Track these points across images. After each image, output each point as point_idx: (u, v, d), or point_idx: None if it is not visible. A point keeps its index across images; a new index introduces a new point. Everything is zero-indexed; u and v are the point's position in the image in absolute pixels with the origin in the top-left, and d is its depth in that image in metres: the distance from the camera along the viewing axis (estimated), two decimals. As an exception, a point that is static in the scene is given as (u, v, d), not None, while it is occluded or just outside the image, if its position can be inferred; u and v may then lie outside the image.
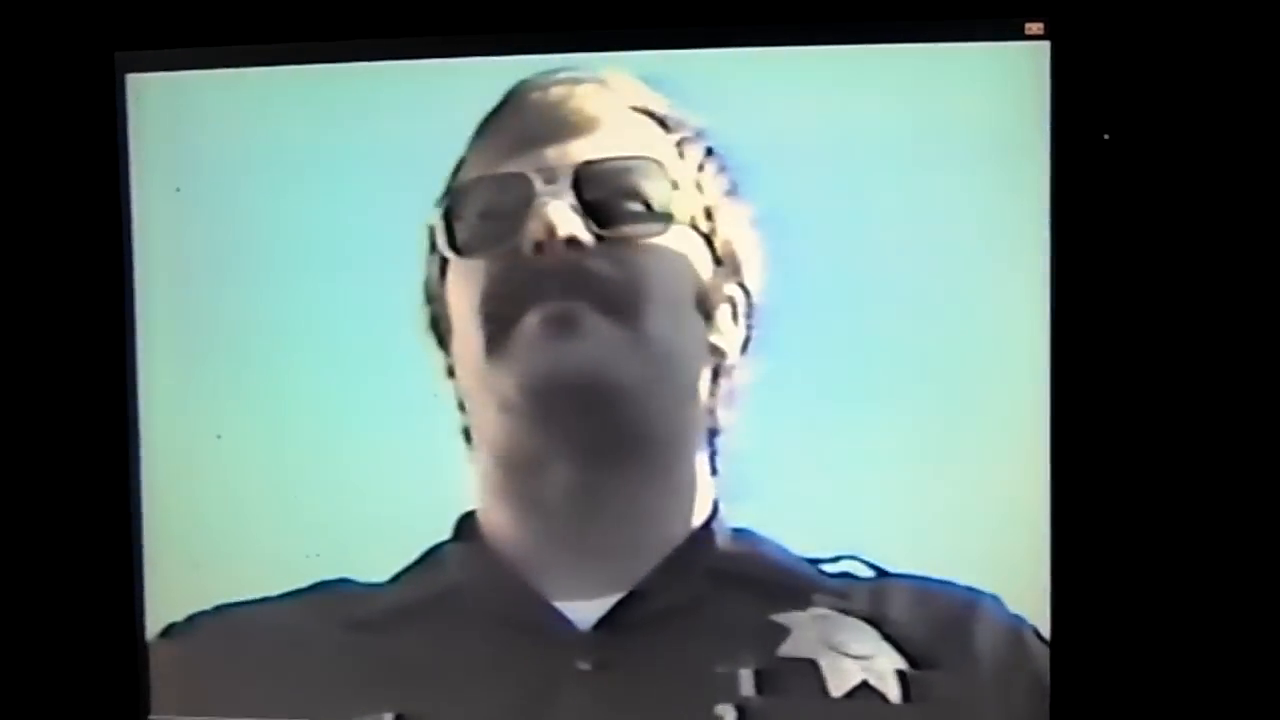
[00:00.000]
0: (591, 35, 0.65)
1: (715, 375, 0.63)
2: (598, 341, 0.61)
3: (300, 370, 0.67)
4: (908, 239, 0.63)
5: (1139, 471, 0.63)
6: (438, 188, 0.65)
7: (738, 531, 0.63)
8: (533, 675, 0.63)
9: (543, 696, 0.63)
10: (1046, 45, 0.62)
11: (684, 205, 0.63)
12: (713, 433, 0.64)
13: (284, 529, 0.68)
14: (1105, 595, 0.63)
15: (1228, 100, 0.62)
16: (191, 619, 0.68)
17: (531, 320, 0.61)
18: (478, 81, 0.65)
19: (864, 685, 0.62)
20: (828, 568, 0.63)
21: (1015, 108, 0.63)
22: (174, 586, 0.69)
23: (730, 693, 0.63)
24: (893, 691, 0.62)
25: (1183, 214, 0.63)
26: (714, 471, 0.64)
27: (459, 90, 0.65)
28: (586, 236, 0.61)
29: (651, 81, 0.64)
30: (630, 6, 0.65)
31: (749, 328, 0.63)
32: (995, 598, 0.62)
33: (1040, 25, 0.63)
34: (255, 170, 0.68)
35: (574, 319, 0.61)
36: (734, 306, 0.63)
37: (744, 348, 0.63)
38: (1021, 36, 0.63)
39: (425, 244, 0.65)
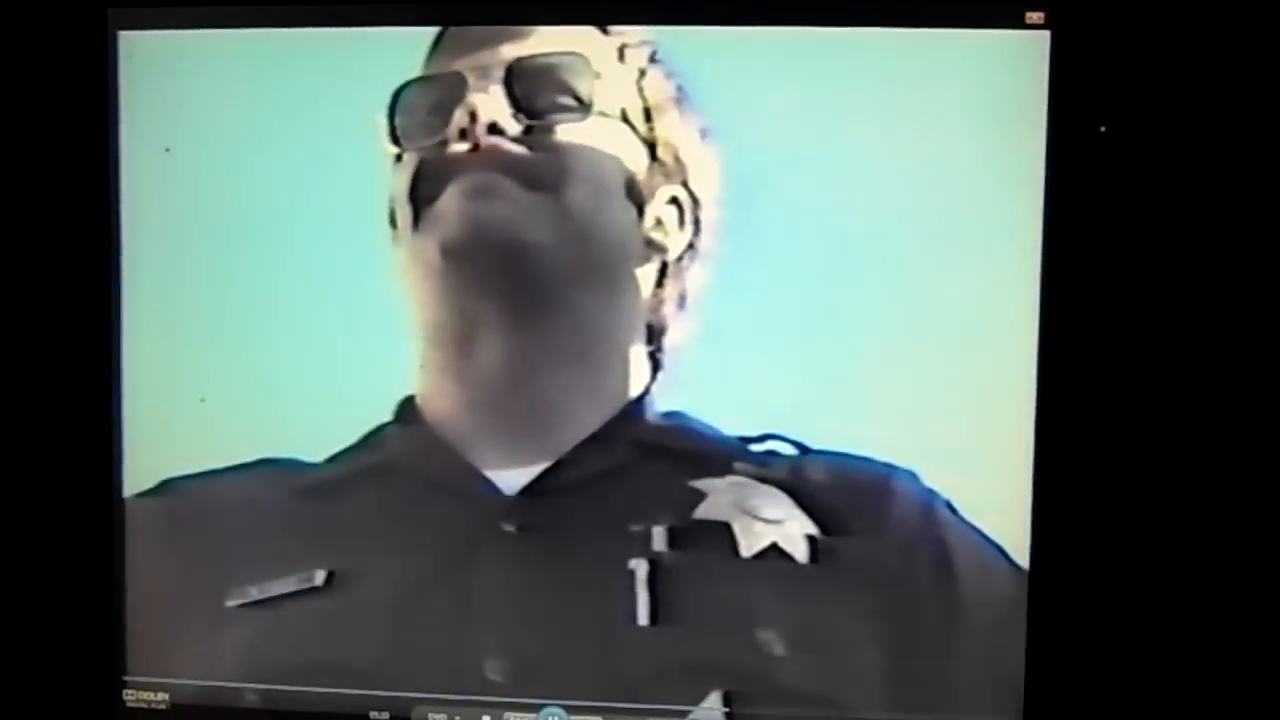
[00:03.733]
0: (595, 6, 0.65)
1: (662, 276, 0.66)
2: (515, 204, 0.64)
3: (285, 331, 0.68)
4: (898, 226, 0.64)
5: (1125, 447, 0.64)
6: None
7: (668, 414, 0.66)
8: (460, 537, 0.66)
9: (469, 556, 0.66)
10: (1046, 35, 0.62)
11: (612, 97, 0.65)
12: (657, 330, 0.66)
13: (251, 393, 0.68)
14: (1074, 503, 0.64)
15: (1226, 94, 0.62)
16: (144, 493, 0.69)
17: (452, 190, 0.64)
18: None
19: (773, 547, 0.65)
20: (754, 446, 0.65)
21: (1012, 97, 0.63)
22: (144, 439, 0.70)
23: (644, 549, 0.65)
24: (800, 553, 0.65)
25: (1178, 207, 0.63)
26: (656, 366, 0.66)
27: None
28: (511, 124, 0.64)
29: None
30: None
31: (695, 233, 0.65)
32: (911, 472, 0.64)
33: (1040, 15, 0.62)
34: (246, 132, 0.67)
35: (492, 185, 0.64)
36: (680, 208, 0.66)
37: (689, 249, 0.65)
38: (1021, 25, 0.63)
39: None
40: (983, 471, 0.64)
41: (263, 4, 0.67)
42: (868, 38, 0.63)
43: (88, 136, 0.68)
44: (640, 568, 0.65)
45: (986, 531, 0.64)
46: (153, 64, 0.68)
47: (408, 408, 0.67)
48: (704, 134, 0.65)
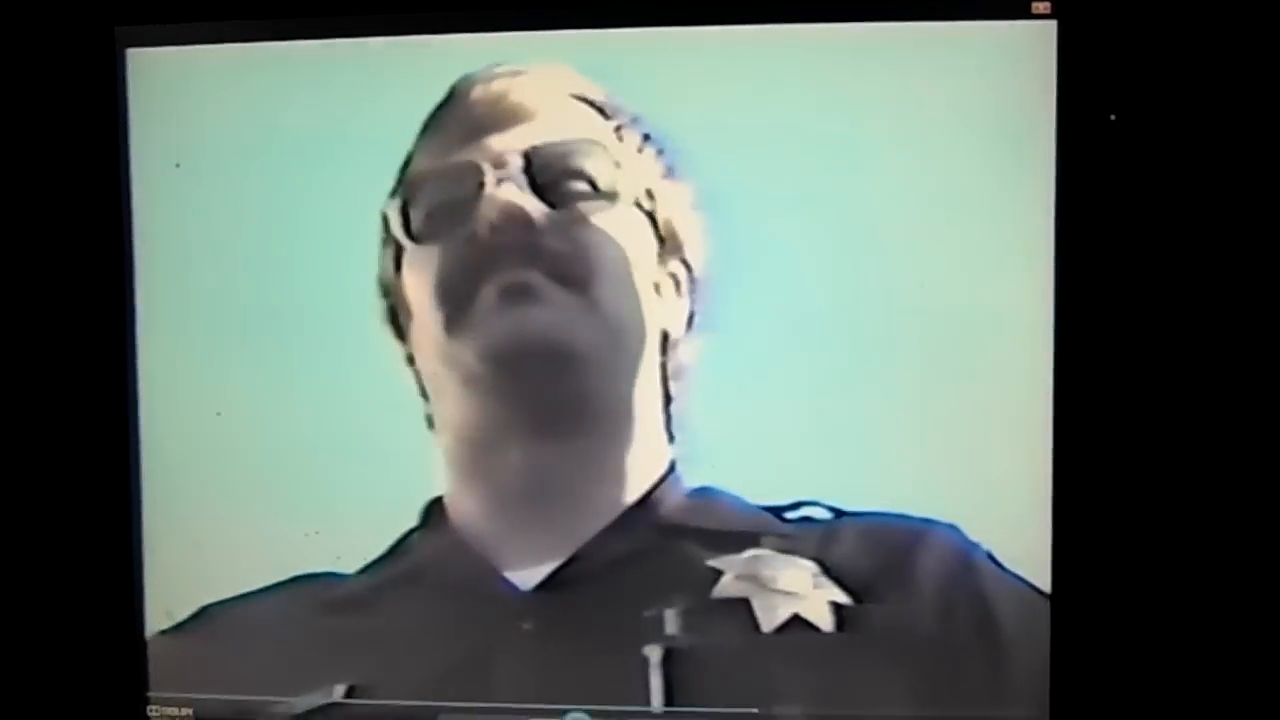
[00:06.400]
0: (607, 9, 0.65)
1: (664, 349, 0.65)
2: (554, 308, 0.63)
3: (299, 348, 0.67)
4: (907, 219, 0.63)
5: (1139, 453, 0.63)
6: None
7: (696, 490, 0.65)
8: (478, 640, 0.66)
9: (488, 659, 0.66)
10: (1053, 24, 0.62)
11: (628, 184, 0.65)
12: (671, 399, 0.66)
13: (282, 507, 0.68)
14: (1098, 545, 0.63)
15: (1235, 81, 0.62)
16: (182, 623, 0.69)
17: (489, 292, 0.63)
18: (479, 60, 0.65)
19: (796, 619, 0.63)
20: (788, 514, 0.64)
21: (1021, 87, 0.62)
22: (174, 567, 0.70)
23: (658, 634, 0.64)
24: (825, 623, 0.63)
25: (1188, 195, 0.62)
26: (670, 438, 0.65)
27: (462, 68, 0.65)
28: (538, 215, 0.63)
29: (593, 72, 0.65)
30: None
31: (692, 303, 0.65)
32: (952, 526, 0.63)
33: (1047, 4, 0.62)
34: (256, 147, 0.67)
35: (530, 287, 0.63)
36: (677, 283, 0.65)
37: (689, 323, 0.65)
38: (1028, 15, 0.62)
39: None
40: (1019, 513, 0.63)
41: (267, 18, 0.67)
42: (870, 34, 0.63)
43: (98, 154, 0.68)
44: (654, 654, 0.64)
45: (1030, 579, 0.63)
46: (160, 80, 0.68)
47: (434, 511, 0.67)
48: (694, 204, 0.64)
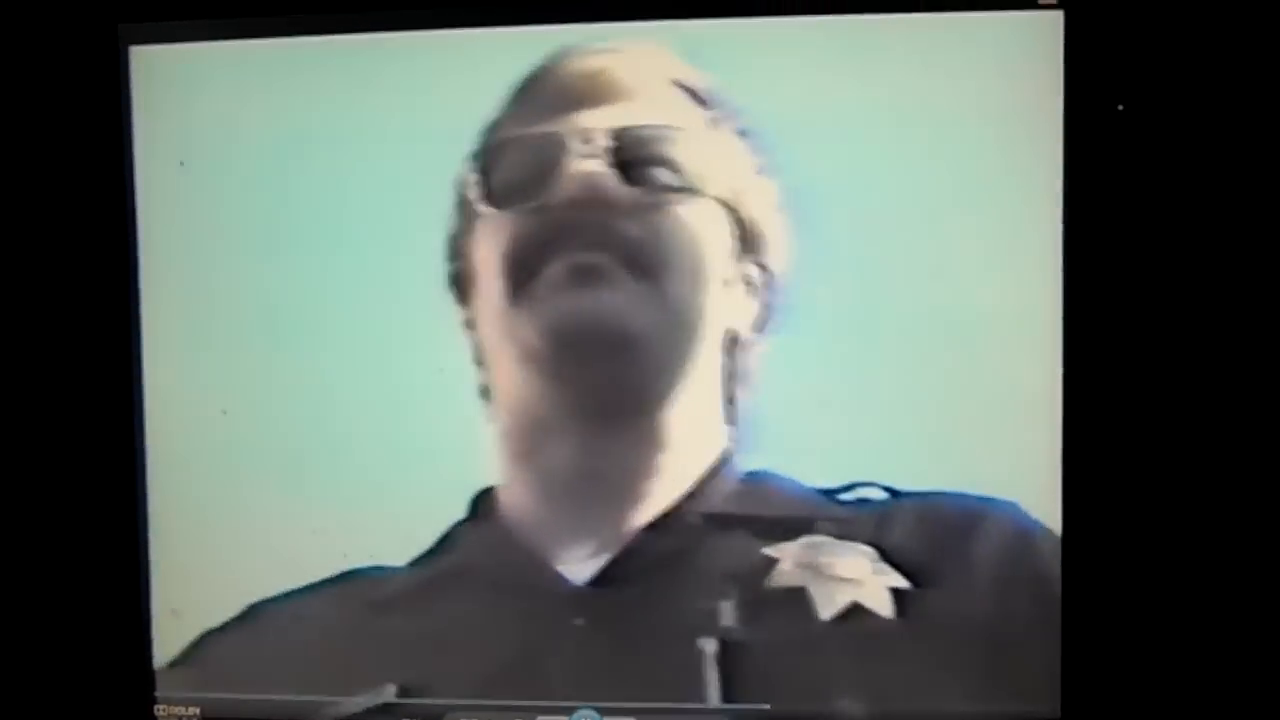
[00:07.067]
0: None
1: (732, 350, 0.64)
2: (620, 292, 0.62)
3: (306, 346, 0.67)
4: (918, 210, 0.63)
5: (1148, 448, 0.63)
6: (445, 165, 0.65)
7: (750, 474, 0.64)
8: (530, 636, 0.65)
9: (540, 656, 0.65)
10: (1059, 15, 0.62)
11: (713, 178, 0.64)
12: (727, 394, 0.65)
13: (291, 505, 0.68)
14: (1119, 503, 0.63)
15: (1243, 72, 0.62)
16: (230, 620, 0.68)
17: (557, 268, 0.63)
18: (491, 56, 0.65)
19: (855, 607, 0.63)
20: (843, 496, 0.63)
21: (1027, 78, 0.62)
22: (181, 565, 0.69)
23: (713, 627, 0.63)
24: (886, 609, 0.62)
25: (1196, 185, 0.62)
26: (726, 427, 0.65)
27: (470, 66, 0.65)
28: (617, 196, 0.63)
29: (689, 57, 0.64)
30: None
31: (766, 306, 0.64)
32: (1011, 504, 0.62)
33: (1053, -6, 0.62)
34: (260, 144, 0.67)
35: (599, 269, 0.62)
36: (750, 283, 0.64)
37: (760, 326, 0.64)
38: (1034, 6, 0.62)
39: (432, 216, 0.66)
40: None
41: (272, 15, 0.67)
42: (879, 24, 0.63)
43: (101, 152, 0.68)
44: (709, 646, 0.63)
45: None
46: (164, 78, 0.68)
47: (484, 501, 0.66)
48: (778, 206, 0.63)
